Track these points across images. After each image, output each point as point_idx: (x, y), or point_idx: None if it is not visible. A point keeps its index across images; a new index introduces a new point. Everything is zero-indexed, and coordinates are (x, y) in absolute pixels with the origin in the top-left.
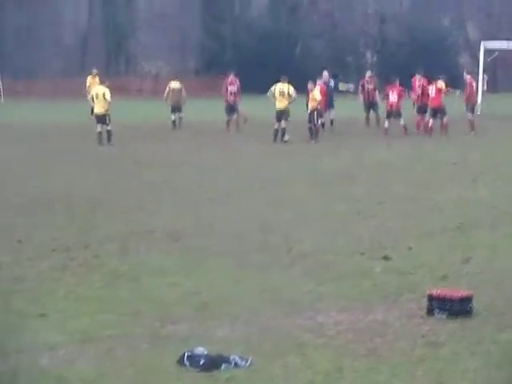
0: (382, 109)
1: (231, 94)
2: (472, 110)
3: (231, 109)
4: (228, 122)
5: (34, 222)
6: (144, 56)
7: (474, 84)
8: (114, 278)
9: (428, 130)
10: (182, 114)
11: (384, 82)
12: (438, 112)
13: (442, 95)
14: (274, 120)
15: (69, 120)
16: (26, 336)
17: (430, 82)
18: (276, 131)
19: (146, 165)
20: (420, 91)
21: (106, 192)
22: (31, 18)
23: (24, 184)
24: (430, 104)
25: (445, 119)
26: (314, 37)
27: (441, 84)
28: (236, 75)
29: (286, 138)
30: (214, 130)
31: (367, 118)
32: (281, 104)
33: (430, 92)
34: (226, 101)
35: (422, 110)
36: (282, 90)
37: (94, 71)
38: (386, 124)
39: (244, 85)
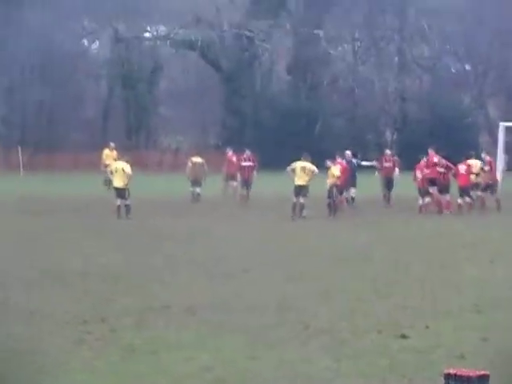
0: (404, 186)
1: (245, 169)
2: (494, 190)
3: (245, 184)
4: (241, 196)
5: (50, 294)
6: (164, 130)
7: (494, 164)
8: (130, 352)
9: (448, 208)
10: (200, 189)
11: (404, 159)
12: (465, 191)
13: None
14: (293, 195)
15: (88, 193)
16: None
17: (448, 160)
18: (294, 206)
19: (163, 238)
20: (444, 170)
21: (122, 265)
22: (53, 92)
23: (41, 256)
24: (459, 182)
25: (469, 199)
26: (333, 115)
27: (475, 162)
28: (252, 152)
29: (305, 213)
30: (234, 204)
31: (385, 196)
32: (301, 180)
33: (460, 170)
34: (240, 176)
35: (444, 188)
36: (303, 166)
37: (112, 145)
38: (420, 201)
39: (263, 161)
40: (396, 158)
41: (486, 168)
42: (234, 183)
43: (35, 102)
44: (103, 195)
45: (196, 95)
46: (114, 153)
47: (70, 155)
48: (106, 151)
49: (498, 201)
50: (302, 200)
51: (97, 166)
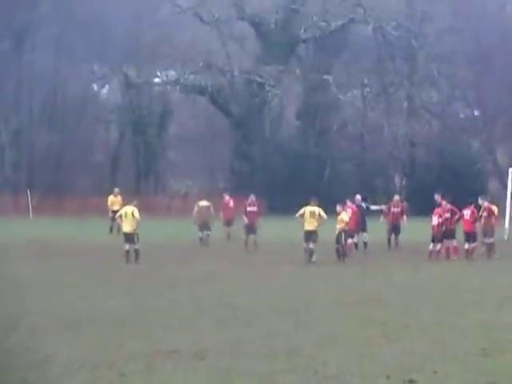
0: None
1: (250, 214)
2: (491, 235)
3: (250, 229)
4: (246, 242)
5: (60, 340)
6: (173, 175)
7: (492, 209)
8: None
9: (455, 254)
10: (210, 232)
11: (413, 205)
12: (470, 236)
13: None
14: (303, 241)
15: (97, 238)
16: None
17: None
18: (306, 251)
19: (172, 283)
20: (449, 215)
21: (131, 310)
22: (62, 137)
23: (51, 302)
24: (464, 228)
25: (474, 244)
26: (342, 160)
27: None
28: (257, 197)
29: (314, 259)
30: (243, 250)
31: (389, 240)
32: (310, 225)
33: (464, 216)
34: (246, 221)
35: (450, 234)
36: (312, 211)
37: (116, 190)
38: (431, 246)
39: (272, 206)
40: (405, 203)
41: (484, 214)
42: (229, 228)
43: (44, 146)
44: (111, 240)
45: (205, 140)
46: (119, 198)
47: (79, 199)
48: (111, 197)
49: (491, 247)
50: (311, 245)
51: (105, 210)
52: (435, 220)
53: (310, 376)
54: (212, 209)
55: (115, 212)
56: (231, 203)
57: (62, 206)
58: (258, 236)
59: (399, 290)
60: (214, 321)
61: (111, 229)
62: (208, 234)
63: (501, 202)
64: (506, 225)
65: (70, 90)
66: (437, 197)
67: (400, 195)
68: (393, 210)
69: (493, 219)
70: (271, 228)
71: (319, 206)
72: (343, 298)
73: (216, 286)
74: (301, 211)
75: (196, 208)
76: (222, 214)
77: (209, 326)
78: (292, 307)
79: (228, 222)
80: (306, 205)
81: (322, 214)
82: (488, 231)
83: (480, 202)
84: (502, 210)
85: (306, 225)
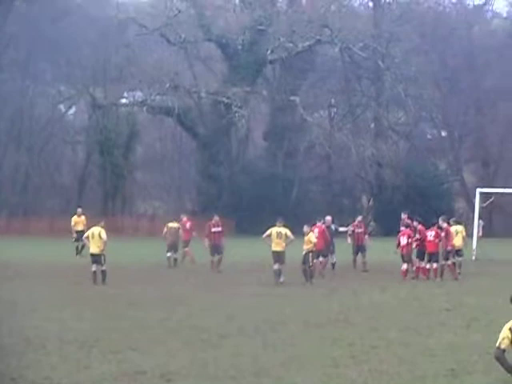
0: (378, 252)
1: (215, 234)
2: (448, 256)
3: (215, 250)
4: (212, 263)
5: (27, 361)
6: (141, 196)
7: (449, 231)
8: None
9: (423, 274)
10: (177, 254)
11: (380, 225)
12: (433, 257)
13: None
14: (272, 262)
15: (64, 259)
16: None
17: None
18: (275, 272)
19: (139, 305)
20: (419, 236)
21: (99, 332)
22: (29, 157)
23: (18, 323)
24: (428, 248)
25: (436, 264)
26: (310, 181)
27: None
28: (219, 218)
29: (282, 279)
30: (209, 270)
31: (354, 261)
32: (278, 246)
33: (428, 237)
34: (210, 242)
35: (420, 254)
36: (279, 232)
37: (79, 210)
38: (404, 266)
39: (240, 226)
40: (373, 223)
41: (443, 234)
42: (186, 249)
43: (10, 167)
44: (78, 261)
45: (172, 161)
46: (83, 218)
47: (46, 220)
48: (75, 217)
49: (451, 267)
50: (279, 266)
51: (71, 231)
52: (403, 240)
53: None
54: (181, 231)
55: (79, 232)
56: (188, 225)
57: (29, 226)
58: (223, 256)
59: (367, 310)
60: (180, 342)
61: (77, 249)
62: (176, 257)
63: (468, 223)
64: (474, 245)
65: (36, 110)
66: (404, 216)
67: (367, 215)
68: (356, 230)
69: (452, 240)
70: (238, 248)
71: (286, 226)
72: (311, 318)
73: (183, 308)
74: (267, 232)
75: (165, 229)
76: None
77: (176, 347)
78: (259, 328)
79: (184, 244)
80: (273, 226)
81: (289, 234)
82: (448, 252)
83: (440, 223)
84: (470, 230)
85: (273, 246)
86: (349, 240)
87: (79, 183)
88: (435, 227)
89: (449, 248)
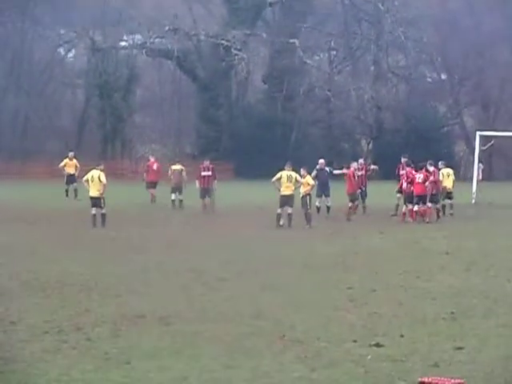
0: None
1: (205, 178)
2: (437, 200)
3: (205, 192)
4: (203, 205)
5: (27, 304)
6: (140, 139)
7: (437, 174)
8: (105, 361)
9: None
10: (181, 196)
11: (380, 169)
12: (421, 199)
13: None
14: (278, 205)
15: (63, 202)
16: None
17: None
18: (279, 216)
19: (139, 249)
20: (409, 179)
21: (98, 276)
22: (28, 101)
23: (18, 267)
24: (416, 191)
25: (424, 206)
26: (309, 124)
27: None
28: (211, 162)
29: (281, 222)
30: (209, 213)
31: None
32: (288, 190)
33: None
34: (200, 185)
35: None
36: (289, 175)
37: (71, 154)
38: (404, 209)
39: (239, 170)
40: (374, 167)
41: (431, 178)
42: (153, 190)
43: (10, 110)
44: (77, 204)
45: (172, 104)
46: (75, 161)
47: (45, 164)
48: (66, 160)
49: (438, 210)
50: (289, 210)
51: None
52: (405, 184)
53: (276, 339)
54: (184, 173)
55: (71, 176)
56: (155, 166)
57: (28, 170)
58: (214, 198)
59: (366, 254)
60: (179, 285)
61: (67, 192)
62: (181, 199)
63: (468, 166)
64: (474, 189)
65: (36, 54)
66: (403, 160)
67: (366, 159)
68: (357, 173)
69: (439, 183)
70: (237, 192)
71: (294, 169)
72: (310, 261)
73: (182, 251)
74: (277, 175)
75: (169, 171)
76: (146, 177)
77: (174, 290)
78: (258, 271)
79: (151, 185)
80: (279, 169)
81: (299, 178)
82: (434, 195)
83: (428, 167)
84: (470, 174)
85: (282, 189)
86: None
87: (78, 126)
88: (423, 170)
89: (434, 191)
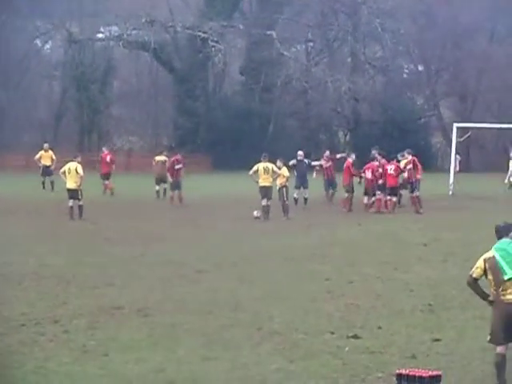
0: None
1: (178, 171)
2: (413, 189)
3: (176, 186)
4: (171, 198)
5: (4, 297)
6: (117, 131)
7: (416, 161)
8: (82, 353)
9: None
10: (166, 185)
11: (357, 160)
12: (393, 190)
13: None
14: (260, 197)
15: (40, 195)
16: None
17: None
18: (264, 208)
19: (116, 241)
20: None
21: (76, 268)
22: (5, 93)
23: None
24: (388, 182)
25: (395, 198)
26: (286, 115)
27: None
28: (182, 155)
29: (257, 214)
30: (188, 205)
31: (327, 196)
32: (266, 181)
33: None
34: (172, 178)
35: (383, 188)
36: (266, 167)
37: (46, 145)
38: (366, 200)
39: (216, 162)
40: (350, 157)
41: (408, 167)
42: (107, 182)
43: None
44: (54, 197)
45: (149, 96)
46: (50, 153)
47: (22, 156)
48: (41, 152)
49: (414, 199)
50: (267, 202)
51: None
52: (368, 174)
53: (254, 331)
54: (168, 163)
55: (47, 167)
56: (108, 158)
57: (4, 162)
58: (182, 191)
59: (343, 245)
60: (157, 277)
61: (43, 184)
62: (165, 188)
63: (445, 157)
64: (451, 180)
65: (12, 45)
66: (373, 152)
67: (329, 152)
68: (325, 165)
69: (414, 173)
70: (214, 184)
71: (270, 161)
72: (287, 253)
73: (160, 243)
74: (254, 168)
75: (153, 162)
76: (100, 169)
77: (152, 282)
78: (236, 263)
79: (105, 177)
80: (255, 161)
81: (275, 169)
82: (410, 184)
83: (406, 155)
84: (447, 165)
85: (260, 181)
86: (314, 175)
87: (55, 118)
88: (395, 161)
89: (413, 179)
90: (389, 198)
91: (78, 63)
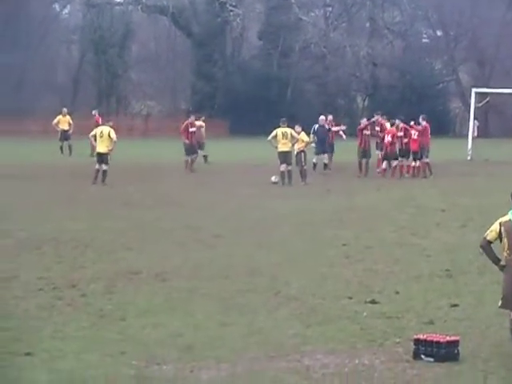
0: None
1: (191, 134)
2: (427, 154)
3: (191, 149)
4: (186, 163)
5: (22, 261)
6: (135, 96)
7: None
8: (100, 317)
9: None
10: (205, 152)
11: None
12: (417, 155)
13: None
14: (279, 163)
15: (59, 159)
16: (11, 374)
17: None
18: (283, 174)
19: (134, 205)
20: (402, 134)
21: (94, 232)
22: (23, 59)
23: (13, 225)
24: (412, 147)
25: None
26: (305, 80)
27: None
28: (196, 118)
29: (275, 179)
30: (206, 170)
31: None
32: (285, 146)
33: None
34: (187, 141)
35: (405, 153)
36: (284, 132)
37: (64, 110)
38: (384, 165)
39: (234, 126)
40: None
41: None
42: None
43: (5, 67)
44: (74, 161)
45: (167, 60)
46: (68, 118)
47: (40, 120)
48: (59, 117)
49: (428, 165)
50: (287, 167)
51: (54, 130)
52: (388, 138)
53: (271, 296)
54: (203, 129)
55: (66, 132)
56: (100, 121)
57: (23, 127)
58: (200, 155)
59: (361, 211)
60: (175, 242)
61: (61, 148)
62: (205, 154)
63: (464, 123)
64: (469, 146)
65: (31, 10)
66: (376, 116)
67: (362, 115)
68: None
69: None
70: (232, 149)
71: (289, 126)
72: (305, 218)
73: (177, 208)
74: (273, 133)
75: (194, 128)
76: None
77: (170, 247)
78: (254, 228)
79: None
80: (275, 126)
81: (294, 134)
82: (424, 150)
83: (421, 121)
84: (465, 131)
85: (279, 146)
86: (344, 137)
87: (74, 83)
88: (416, 126)
89: (424, 145)
90: (412, 163)
91: (97, 27)
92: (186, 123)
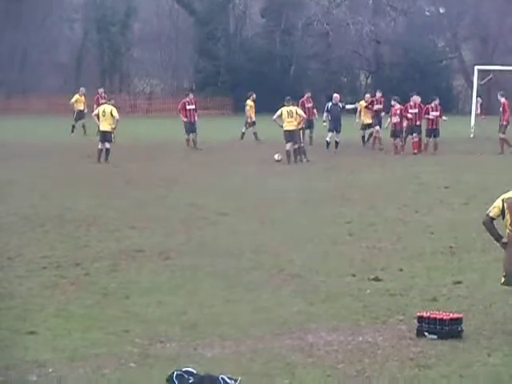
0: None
1: (190, 112)
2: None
3: (190, 127)
4: (187, 141)
5: (26, 240)
6: (138, 74)
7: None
8: (103, 296)
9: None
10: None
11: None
12: (432, 132)
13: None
14: (285, 142)
15: (63, 137)
16: (15, 352)
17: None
18: (288, 153)
19: (137, 183)
20: (417, 110)
21: (97, 211)
22: (27, 36)
23: (17, 203)
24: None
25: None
26: (308, 58)
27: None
28: (194, 96)
29: (278, 157)
30: (209, 148)
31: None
32: (290, 125)
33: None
34: (186, 119)
35: (415, 130)
36: (289, 111)
37: (82, 89)
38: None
39: (238, 105)
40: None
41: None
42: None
43: (8, 45)
44: (78, 140)
45: (169, 38)
46: (83, 98)
47: (44, 99)
48: (77, 96)
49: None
50: (292, 146)
51: (70, 110)
52: (396, 118)
53: (275, 274)
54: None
55: (81, 111)
56: (100, 100)
57: (27, 105)
58: (197, 134)
59: (364, 188)
60: (178, 220)
61: (73, 128)
62: (254, 132)
63: (467, 100)
64: (472, 123)
65: None
66: (367, 95)
67: (310, 92)
68: (306, 105)
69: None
70: (235, 127)
71: (294, 104)
72: (308, 196)
73: (181, 186)
74: (278, 112)
75: (247, 107)
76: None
77: (173, 225)
78: (257, 206)
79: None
80: (280, 105)
81: (300, 112)
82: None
83: (499, 98)
84: (468, 108)
85: (285, 125)
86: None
87: (77, 61)
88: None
89: (418, 123)
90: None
91: (99, 5)
92: (183, 101)
